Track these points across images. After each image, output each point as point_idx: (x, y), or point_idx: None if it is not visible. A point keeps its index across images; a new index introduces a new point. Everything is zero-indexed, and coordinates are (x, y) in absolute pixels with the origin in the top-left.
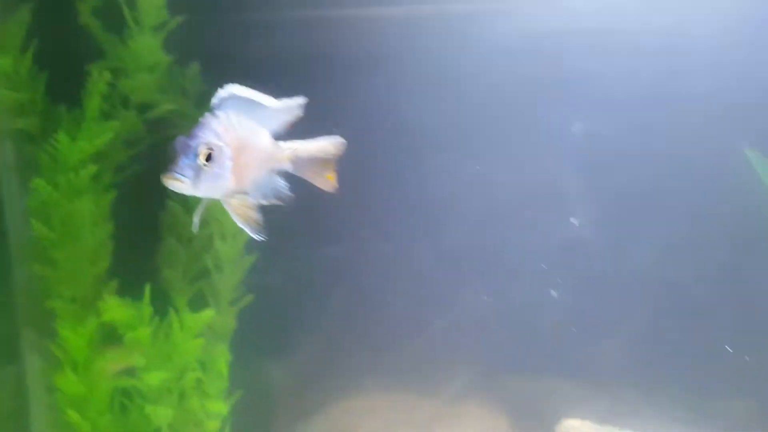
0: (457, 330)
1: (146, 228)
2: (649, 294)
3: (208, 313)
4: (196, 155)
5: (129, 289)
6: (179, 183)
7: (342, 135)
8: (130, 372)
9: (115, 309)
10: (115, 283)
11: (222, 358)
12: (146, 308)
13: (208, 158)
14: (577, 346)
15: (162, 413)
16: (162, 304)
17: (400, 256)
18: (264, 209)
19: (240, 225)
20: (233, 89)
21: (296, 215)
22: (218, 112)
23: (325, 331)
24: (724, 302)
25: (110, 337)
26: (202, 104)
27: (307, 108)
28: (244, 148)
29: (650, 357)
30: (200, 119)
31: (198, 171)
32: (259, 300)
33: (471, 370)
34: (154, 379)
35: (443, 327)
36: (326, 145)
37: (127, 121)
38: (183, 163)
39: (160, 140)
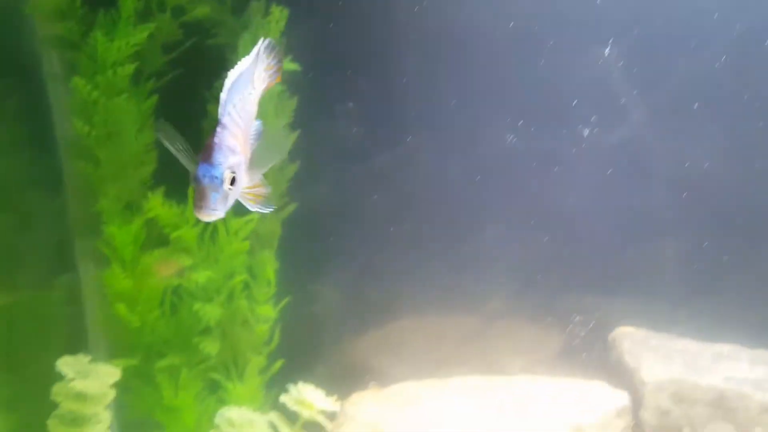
0: (504, 244)
1: (188, 135)
2: (707, 197)
3: (252, 217)
4: (222, 183)
5: (175, 196)
6: (214, 215)
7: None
8: (179, 274)
9: (159, 207)
10: (161, 189)
11: (269, 264)
12: (191, 208)
13: (232, 180)
14: (631, 256)
15: (210, 311)
16: None
17: (447, 164)
18: None
19: (254, 208)
20: (229, 81)
21: (341, 126)
22: (225, 120)
23: (371, 245)
24: None
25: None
26: (239, 11)
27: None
28: (246, 131)
29: (706, 265)
30: (214, 137)
31: (226, 195)
32: (304, 212)
33: (519, 284)
34: (201, 277)
35: (490, 241)
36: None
37: (162, 23)
38: (214, 198)
39: (197, 47)
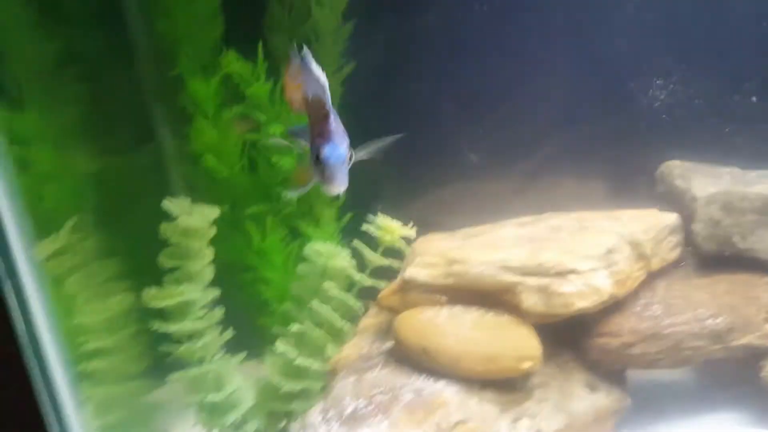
0: (544, 99)
1: None
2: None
3: None
4: (346, 160)
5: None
6: (344, 187)
7: None
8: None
9: (234, 62)
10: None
11: None
12: (261, 64)
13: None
14: (667, 97)
15: (287, 162)
16: (273, 68)
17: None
18: None
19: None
20: (323, 81)
21: None
22: (331, 109)
23: (427, 109)
24: None
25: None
26: None
27: None
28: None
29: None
30: (328, 124)
31: (347, 169)
32: (362, 73)
33: (560, 139)
34: (276, 130)
35: (531, 98)
36: None
37: None
38: (343, 173)
39: None
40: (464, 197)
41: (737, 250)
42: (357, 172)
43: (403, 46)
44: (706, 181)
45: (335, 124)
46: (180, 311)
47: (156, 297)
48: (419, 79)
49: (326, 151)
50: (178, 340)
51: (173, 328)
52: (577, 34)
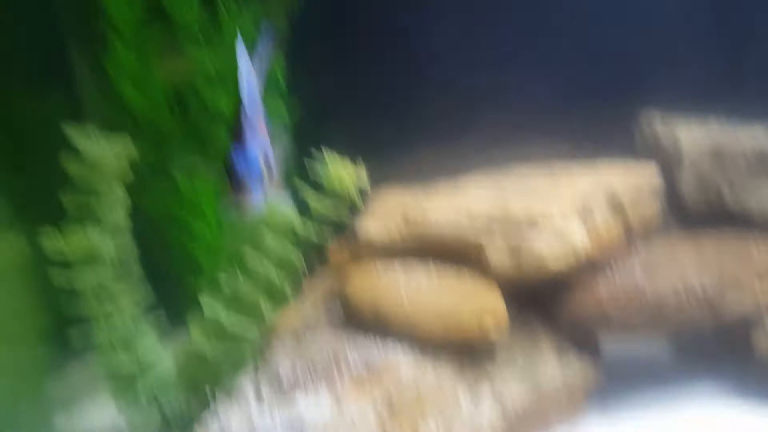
0: (517, 50)
1: None
2: None
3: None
4: (259, 168)
5: None
6: (258, 205)
7: None
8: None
9: None
10: None
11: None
12: None
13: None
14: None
15: (221, 100)
16: None
17: None
18: None
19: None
20: (243, 70)
21: None
22: (247, 106)
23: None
24: None
25: None
26: None
27: None
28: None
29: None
30: (240, 120)
31: (264, 180)
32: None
33: (532, 92)
34: (207, 63)
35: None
36: None
37: None
38: (256, 189)
39: None
40: (425, 155)
41: (726, 204)
42: (305, 131)
43: None
44: (692, 130)
45: (250, 123)
46: (85, 260)
47: (56, 242)
48: (378, 25)
49: (233, 156)
50: (82, 294)
51: (76, 279)
52: None
